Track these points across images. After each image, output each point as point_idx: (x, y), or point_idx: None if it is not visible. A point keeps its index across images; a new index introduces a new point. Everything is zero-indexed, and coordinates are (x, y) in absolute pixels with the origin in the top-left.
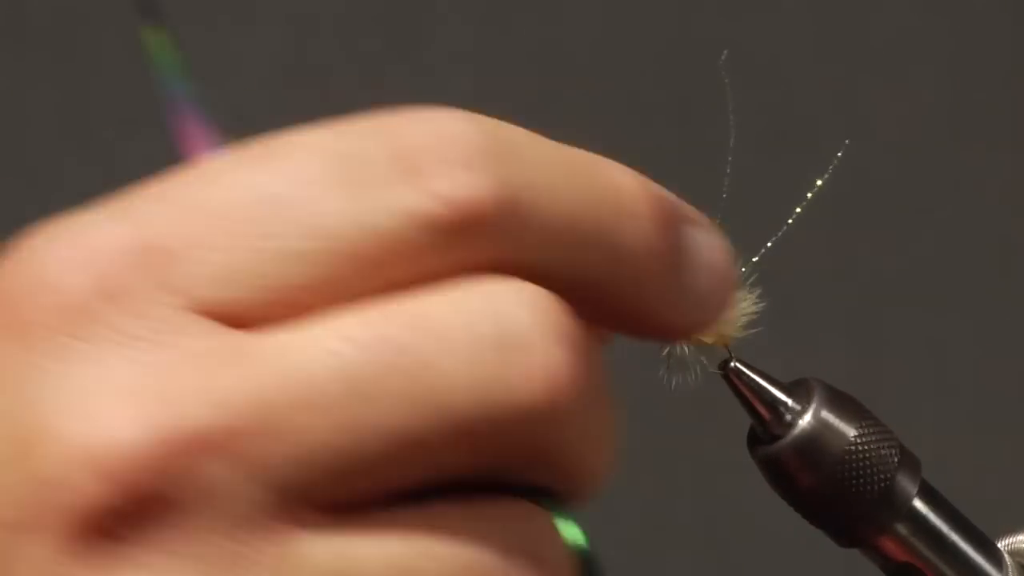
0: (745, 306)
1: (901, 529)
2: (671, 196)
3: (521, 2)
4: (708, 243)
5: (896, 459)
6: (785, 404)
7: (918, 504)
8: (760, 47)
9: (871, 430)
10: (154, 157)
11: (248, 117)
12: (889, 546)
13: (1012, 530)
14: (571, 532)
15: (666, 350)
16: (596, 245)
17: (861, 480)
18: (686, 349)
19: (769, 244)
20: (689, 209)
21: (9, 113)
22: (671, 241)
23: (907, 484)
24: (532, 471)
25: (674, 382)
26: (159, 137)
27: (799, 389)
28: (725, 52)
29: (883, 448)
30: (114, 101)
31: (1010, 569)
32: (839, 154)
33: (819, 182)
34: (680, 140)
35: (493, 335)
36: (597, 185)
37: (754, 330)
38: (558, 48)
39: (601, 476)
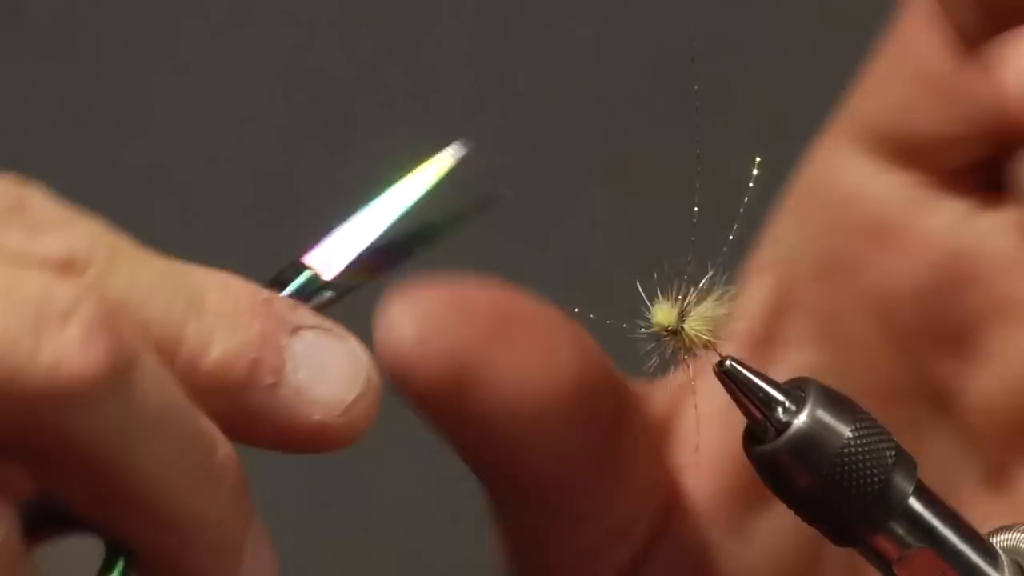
0: (719, 311)
1: (897, 528)
2: (283, 308)
3: (520, 2)
4: (324, 346)
5: (891, 458)
6: (781, 403)
7: (913, 503)
8: (760, 46)
9: (867, 429)
10: (154, 157)
11: (249, 117)
12: (885, 545)
13: (1006, 527)
14: None
15: (665, 350)
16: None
17: (856, 479)
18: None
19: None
20: (304, 316)
21: (9, 113)
22: (267, 354)
23: (903, 483)
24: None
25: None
26: (159, 137)
27: (795, 388)
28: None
29: (879, 447)
30: (114, 101)
31: (1006, 567)
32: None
33: (755, 171)
34: (679, 139)
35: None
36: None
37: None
38: (558, 48)
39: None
